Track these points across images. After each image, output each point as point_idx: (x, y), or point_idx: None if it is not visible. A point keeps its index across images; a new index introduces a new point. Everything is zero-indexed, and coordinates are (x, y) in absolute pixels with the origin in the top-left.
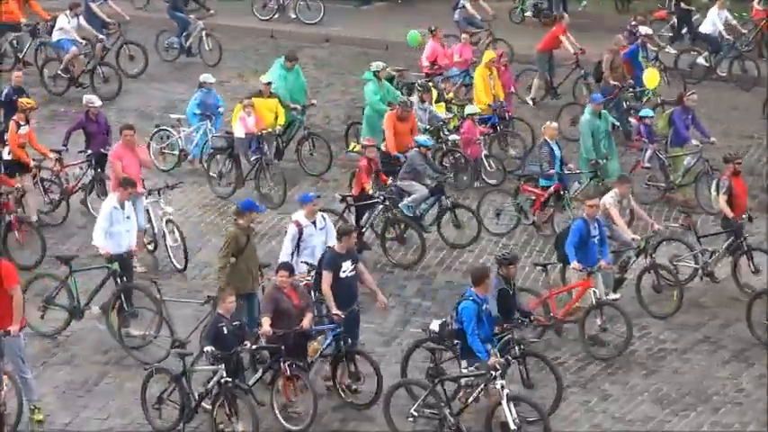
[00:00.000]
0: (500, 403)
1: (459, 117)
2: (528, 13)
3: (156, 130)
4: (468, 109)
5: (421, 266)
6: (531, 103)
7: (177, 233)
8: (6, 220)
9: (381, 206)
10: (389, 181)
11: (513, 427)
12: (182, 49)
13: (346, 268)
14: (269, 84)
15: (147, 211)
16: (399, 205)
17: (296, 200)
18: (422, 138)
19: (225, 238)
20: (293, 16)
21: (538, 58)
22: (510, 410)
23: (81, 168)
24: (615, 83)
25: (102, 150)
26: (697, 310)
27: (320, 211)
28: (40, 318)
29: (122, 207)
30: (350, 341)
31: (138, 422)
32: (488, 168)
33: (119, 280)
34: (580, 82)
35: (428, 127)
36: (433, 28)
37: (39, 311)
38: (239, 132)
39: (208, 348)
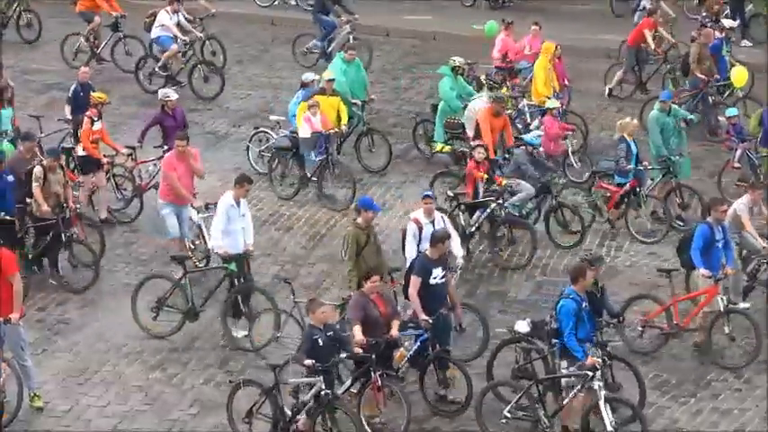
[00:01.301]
0: (597, 404)
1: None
2: None
3: (254, 131)
4: (550, 103)
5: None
6: (606, 93)
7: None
8: (67, 216)
9: (494, 205)
10: (504, 182)
11: (609, 428)
12: (323, 53)
13: (437, 275)
14: (332, 80)
15: (200, 226)
16: (505, 203)
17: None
18: (528, 136)
19: (345, 239)
20: (293, 3)
21: (626, 51)
22: (607, 412)
23: (155, 165)
24: (702, 76)
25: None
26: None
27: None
28: (152, 319)
29: (238, 204)
30: (438, 347)
31: (138, 409)
32: (575, 165)
33: (236, 281)
34: (667, 76)
35: None
36: (508, 21)
37: (151, 313)
38: (305, 132)
39: (308, 361)
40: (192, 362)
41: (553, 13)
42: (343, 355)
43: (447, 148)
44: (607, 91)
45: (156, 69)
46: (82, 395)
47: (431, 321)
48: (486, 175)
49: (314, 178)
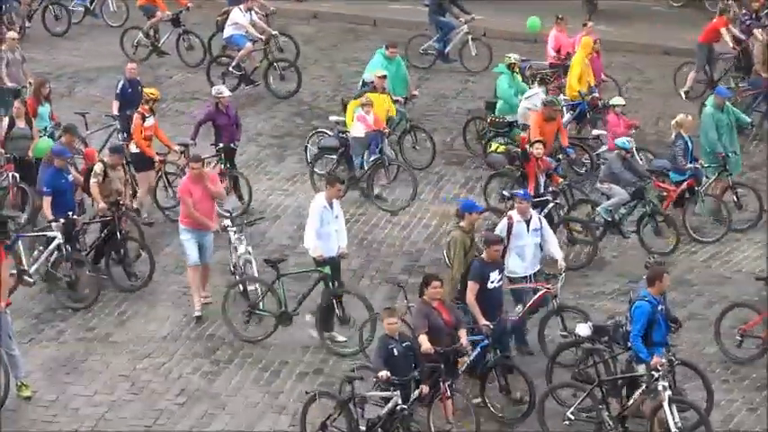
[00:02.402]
0: (662, 405)
1: None
2: None
3: (312, 132)
4: (614, 100)
5: (408, 243)
6: (683, 96)
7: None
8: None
9: (552, 204)
10: (561, 181)
11: (674, 430)
12: (440, 54)
13: (494, 279)
14: (383, 77)
15: (249, 261)
16: (598, 209)
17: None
18: (621, 140)
19: (450, 244)
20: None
21: (698, 50)
22: (672, 413)
23: (208, 162)
24: (766, 75)
25: (231, 145)
26: (684, 287)
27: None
28: (244, 323)
29: (331, 206)
30: (499, 353)
31: (125, 398)
32: (639, 163)
33: (331, 284)
34: (729, 74)
35: None
36: (560, 16)
37: (243, 317)
38: (358, 132)
39: (383, 373)
40: (180, 351)
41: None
42: (418, 369)
43: (502, 148)
44: (683, 94)
45: (230, 69)
46: (69, 384)
47: (491, 326)
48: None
49: (363, 179)
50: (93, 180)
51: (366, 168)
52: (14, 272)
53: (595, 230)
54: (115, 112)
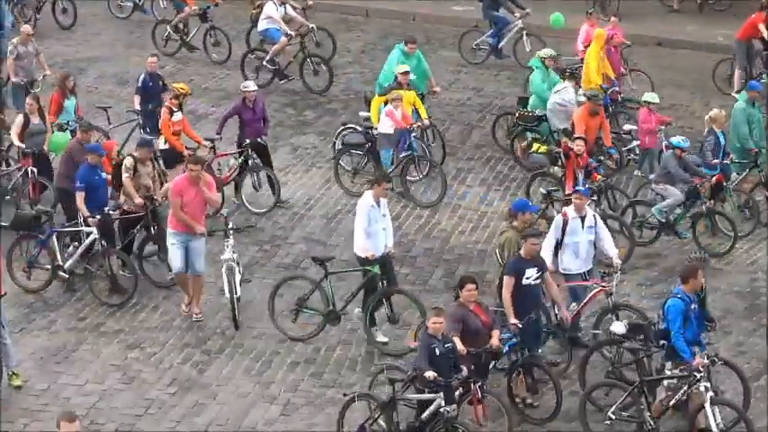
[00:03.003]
0: (703, 406)
1: None
2: None
3: (341, 128)
4: (647, 96)
5: (399, 234)
6: (736, 96)
7: (237, 285)
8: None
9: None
10: (599, 178)
11: (715, 431)
12: (493, 49)
13: (531, 275)
14: (406, 73)
15: (232, 268)
16: (652, 210)
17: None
18: (676, 139)
19: (504, 245)
20: None
21: (737, 47)
22: (714, 414)
23: (236, 158)
24: None
25: (258, 140)
26: (674, 279)
27: None
28: (291, 321)
29: (378, 205)
30: (527, 352)
31: (116, 387)
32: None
33: (380, 283)
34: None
35: None
36: (589, 11)
37: (290, 315)
38: (386, 128)
39: (429, 373)
40: (171, 341)
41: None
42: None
43: (543, 148)
44: (736, 95)
45: (264, 63)
46: (60, 374)
47: (520, 325)
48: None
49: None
50: (125, 175)
51: (396, 165)
52: (49, 267)
53: (632, 229)
54: (137, 106)
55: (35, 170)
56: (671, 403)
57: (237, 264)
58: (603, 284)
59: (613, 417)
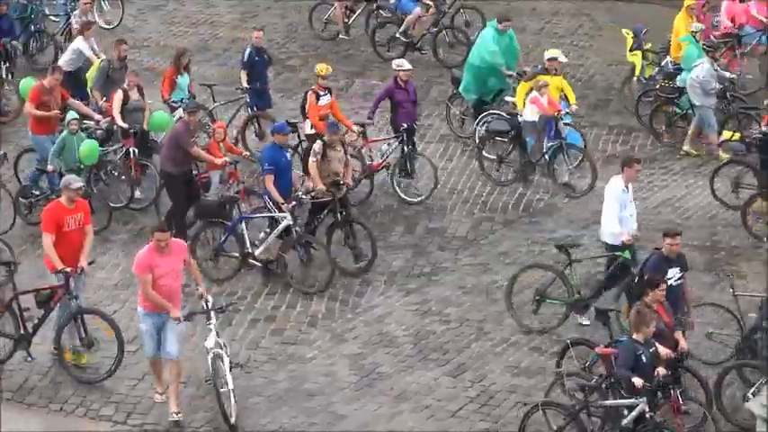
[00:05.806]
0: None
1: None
2: None
3: (484, 114)
4: None
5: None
6: None
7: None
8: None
9: None
10: None
11: None
12: None
13: (672, 275)
14: (554, 59)
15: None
16: None
17: None
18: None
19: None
20: None
21: None
22: None
23: (389, 144)
24: None
25: (413, 124)
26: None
27: None
28: (533, 313)
29: (627, 189)
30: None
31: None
32: None
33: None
34: None
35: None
36: None
37: (532, 306)
38: (532, 115)
39: (637, 380)
40: (131, 299)
41: None
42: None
43: (737, 135)
44: None
45: (397, 35)
46: None
47: None
48: None
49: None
50: (311, 159)
51: (545, 154)
52: (237, 255)
53: None
54: (245, 83)
55: (136, 150)
56: None
57: (224, 347)
58: None
59: (752, 397)
